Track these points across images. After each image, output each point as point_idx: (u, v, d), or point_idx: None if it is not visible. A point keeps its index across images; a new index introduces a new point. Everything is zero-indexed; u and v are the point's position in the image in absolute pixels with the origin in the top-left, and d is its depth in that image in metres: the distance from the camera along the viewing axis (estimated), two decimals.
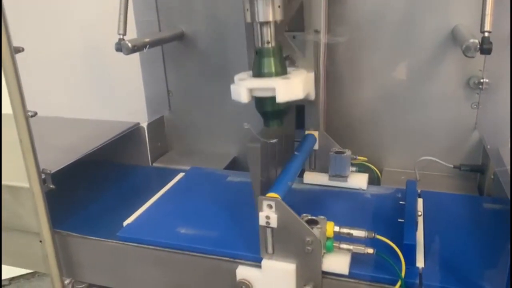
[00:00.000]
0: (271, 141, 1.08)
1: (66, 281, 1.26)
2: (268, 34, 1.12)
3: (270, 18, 1.10)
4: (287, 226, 0.99)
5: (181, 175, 1.52)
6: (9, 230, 1.30)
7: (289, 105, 1.18)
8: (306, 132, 1.42)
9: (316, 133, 1.42)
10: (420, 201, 1.29)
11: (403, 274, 0.96)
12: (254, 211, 1.01)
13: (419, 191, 1.36)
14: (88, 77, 2.09)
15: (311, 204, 1.32)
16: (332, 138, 1.51)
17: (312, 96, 1.32)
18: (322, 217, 1.03)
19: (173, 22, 1.67)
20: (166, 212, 1.29)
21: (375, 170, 1.53)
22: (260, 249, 1.03)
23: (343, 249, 1.01)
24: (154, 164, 1.72)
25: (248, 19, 1.11)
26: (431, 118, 1.50)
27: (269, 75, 1.13)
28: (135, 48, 1.38)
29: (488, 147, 1.37)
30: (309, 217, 1.03)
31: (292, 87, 1.12)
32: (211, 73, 1.70)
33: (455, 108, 1.47)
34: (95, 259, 1.24)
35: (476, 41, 1.07)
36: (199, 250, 1.11)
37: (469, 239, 1.11)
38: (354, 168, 1.42)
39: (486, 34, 1.07)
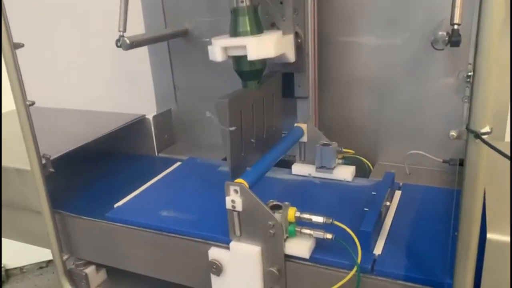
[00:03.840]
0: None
1: (65, 257, 1.38)
2: None
3: None
4: (251, 210, 1.05)
5: (177, 164, 1.61)
6: (18, 209, 1.44)
7: (265, 66, 1.23)
8: (295, 125, 1.47)
9: (304, 126, 1.46)
10: (398, 193, 1.30)
11: (359, 259, 1.00)
12: None
13: (400, 183, 1.38)
14: (107, 73, 2.23)
15: (295, 193, 1.37)
16: (326, 132, 1.55)
17: (291, 57, 1.34)
18: (287, 203, 1.08)
19: (179, 19, 1.76)
20: (154, 197, 1.38)
21: (366, 163, 1.55)
22: (229, 232, 1.10)
23: (304, 233, 1.05)
24: (160, 154, 1.82)
25: None
26: (424, 112, 1.50)
27: (244, 34, 1.18)
28: (134, 44, 1.48)
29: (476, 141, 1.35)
30: (275, 202, 1.08)
31: (263, 45, 1.16)
32: (215, 69, 1.77)
33: (447, 102, 1.46)
34: (89, 238, 1.35)
35: (444, 33, 1.07)
36: (176, 231, 1.20)
37: (436, 230, 1.12)
38: (340, 161, 1.45)
39: (456, 27, 1.07)
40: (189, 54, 1.80)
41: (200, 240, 1.17)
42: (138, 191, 1.42)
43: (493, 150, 0.74)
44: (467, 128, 0.76)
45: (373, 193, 1.22)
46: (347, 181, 1.41)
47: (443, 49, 1.09)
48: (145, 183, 1.49)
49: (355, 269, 0.99)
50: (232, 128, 1.12)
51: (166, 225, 1.21)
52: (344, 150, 1.46)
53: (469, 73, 1.36)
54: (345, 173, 1.42)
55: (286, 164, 1.54)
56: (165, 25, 1.78)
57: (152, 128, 1.78)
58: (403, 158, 1.52)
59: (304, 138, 1.47)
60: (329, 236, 1.03)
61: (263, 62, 1.25)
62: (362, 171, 1.54)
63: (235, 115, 1.17)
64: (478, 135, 0.74)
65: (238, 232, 1.09)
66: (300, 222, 1.06)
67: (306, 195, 1.34)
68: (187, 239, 1.19)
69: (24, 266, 2.88)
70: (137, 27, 1.83)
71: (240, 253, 1.09)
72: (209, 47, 1.20)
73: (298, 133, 1.44)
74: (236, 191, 1.05)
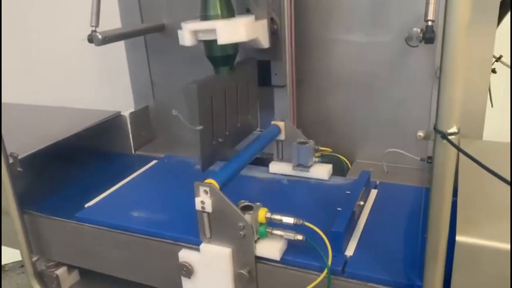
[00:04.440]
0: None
1: (35, 258, 1.34)
2: None
3: None
4: (221, 211, 1.02)
5: (153, 162, 1.58)
6: None
7: (236, 51, 1.19)
8: (272, 122, 1.44)
9: (282, 124, 1.43)
10: (374, 192, 1.29)
11: (329, 261, 0.98)
12: None
13: (377, 182, 1.36)
14: (82, 68, 2.18)
15: (270, 192, 1.35)
16: (305, 129, 1.53)
17: (265, 43, 1.30)
18: (258, 203, 1.05)
19: (156, 14, 1.72)
20: (127, 196, 1.35)
21: (344, 161, 1.53)
22: (199, 233, 1.07)
23: (275, 235, 1.03)
24: (137, 152, 1.78)
25: None
26: (403, 109, 1.48)
27: (214, 17, 1.14)
28: (107, 40, 1.44)
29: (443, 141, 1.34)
30: (246, 203, 1.06)
31: (234, 28, 1.12)
32: (193, 64, 1.73)
33: (426, 99, 1.44)
34: (60, 239, 1.32)
35: (418, 30, 1.05)
36: (146, 232, 1.17)
37: (410, 231, 1.10)
38: (317, 159, 1.43)
39: (430, 23, 1.05)
40: (166, 49, 1.76)
41: (170, 241, 1.14)
42: (110, 191, 1.39)
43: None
44: (434, 128, 0.74)
45: (347, 192, 1.20)
46: (324, 180, 1.39)
47: (417, 46, 1.06)
48: (118, 182, 1.45)
49: (325, 271, 0.97)
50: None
51: (135, 226, 1.18)
52: (321, 148, 1.44)
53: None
54: (321, 171, 1.40)
55: (264, 162, 1.52)
56: (141, 20, 1.75)
57: (129, 125, 1.74)
58: (381, 156, 1.51)
59: (282, 136, 1.44)
60: (300, 237, 1.00)
61: (235, 46, 1.21)
62: (340, 169, 1.52)
63: (205, 101, 1.14)
64: (445, 136, 0.72)
65: (208, 234, 1.06)
66: (272, 223, 1.04)
67: (282, 194, 1.32)
68: (157, 240, 1.16)
69: (6, 265, 2.83)
70: (115, 21, 1.80)
71: (210, 255, 1.06)
72: (179, 32, 1.17)
73: (275, 131, 1.41)
74: (206, 191, 1.03)
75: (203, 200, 1.02)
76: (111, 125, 1.68)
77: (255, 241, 1.03)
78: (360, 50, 1.47)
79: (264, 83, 1.46)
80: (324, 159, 1.44)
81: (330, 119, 1.59)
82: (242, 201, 1.06)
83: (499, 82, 1.60)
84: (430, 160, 1.43)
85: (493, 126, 1.71)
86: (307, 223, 1.01)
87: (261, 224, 1.03)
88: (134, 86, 1.87)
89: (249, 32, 1.16)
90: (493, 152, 1.18)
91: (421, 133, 0.76)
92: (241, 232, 1.01)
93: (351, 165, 1.55)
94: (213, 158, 1.20)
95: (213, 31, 1.11)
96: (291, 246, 1.05)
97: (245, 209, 1.04)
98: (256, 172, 1.47)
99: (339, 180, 1.39)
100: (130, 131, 1.75)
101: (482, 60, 1.31)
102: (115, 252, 1.23)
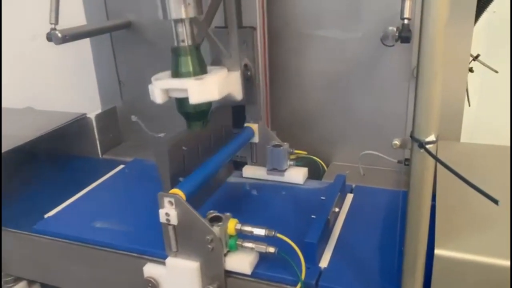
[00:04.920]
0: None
1: None
2: (184, 32, 1.07)
3: (183, 15, 1.04)
4: (188, 223, 0.96)
5: (120, 167, 1.50)
6: None
7: (210, 106, 1.14)
8: (245, 125, 1.38)
9: (255, 126, 1.37)
10: (349, 197, 1.24)
11: (303, 274, 0.92)
12: None
13: (353, 185, 1.32)
14: (46, 67, 2.07)
15: (243, 198, 1.29)
16: (280, 131, 1.47)
17: (238, 96, 1.24)
18: (227, 214, 0.99)
19: (122, 10, 1.63)
20: (90, 205, 1.27)
21: (320, 163, 1.48)
22: (165, 247, 1.00)
23: (246, 247, 0.97)
24: (104, 156, 1.70)
25: (161, 17, 1.05)
26: (379, 111, 1.44)
27: (186, 75, 1.08)
28: (67, 38, 1.35)
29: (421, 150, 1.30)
30: (214, 214, 0.99)
31: (206, 87, 1.06)
32: (161, 62, 1.65)
33: (402, 100, 1.40)
34: (18, 252, 1.23)
35: (394, 28, 1.00)
36: (109, 245, 1.09)
37: (387, 239, 1.06)
38: (292, 162, 1.37)
39: (406, 22, 1.00)
40: (134, 47, 1.67)
41: (135, 255, 1.07)
42: (73, 199, 1.30)
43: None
44: (411, 136, 0.69)
45: (322, 198, 1.15)
46: (299, 184, 1.33)
47: (393, 46, 1.02)
48: (83, 189, 1.37)
49: (299, 285, 0.91)
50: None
51: (98, 238, 1.11)
52: (296, 151, 1.39)
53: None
54: (296, 175, 1.34)
55: (238, 165, 1.46)
56: (107, 17, 1.65)
57: (95, 127, 1.65)
58: (358, 157, 1.46)
59: (255, 139, 1.38)
60: (271, 250, 0.95)
61: (208, 103, 1.14)
62: (316, 172, 1.47)
63: (177, 159, 1.09)
64: (422, 145, 0.67)
65: (174, 247, 0.99)
66: (242, 235, 0.98)
67: (255, 200, 1.26)
68: (120, 253, 1.08)
69: None
70: (80, 18, 1.70)
71: (177, 270, 0.99)
72: (150, 86, 1.10)
73: (248, 134, 1.35)
74: (170, 202, 0.96)
75: (168, 212, 0.95)
76: (76, 127, 1.59)
77: (225, 254, 0.97)
78: (335, 49, 1.41)
79: (238, 125, 1.39)
80: (300, 161, 1.38)
81: (306, 120, 1.54)
82: (211, 211, 1.00)
83: (475, 80, 1.58)
84: (407, 162, 1.40)
85: (472, 126, 1.70)
86: (279, 235, 0.95)
87: (230, 236, 0.97)
88: (101, 86, 1.78)
89: (222, 90, 1.10)
90: (472, 155, 1.15)
91: (397, 142, 0.71)
92: (209, 246, 0.95)
93: (327, 167, 1.50)
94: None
95: (184, 90, 1.04)
96: (264, 258, 0.99)
97: (214, 220, 0.98)
98: (229, 176, 1.41)
99: (314, 184, 1.34)
100: (96, 133, 1.66)
101: (459, 60, 1.27)
102: (76, 267, 1.15)
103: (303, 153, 1.43)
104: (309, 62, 1.46)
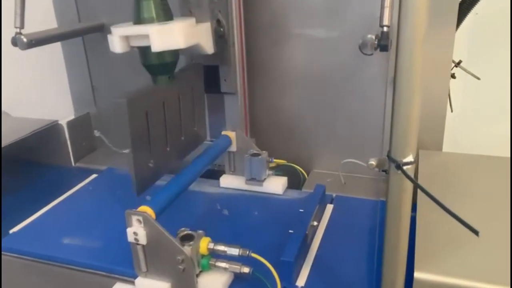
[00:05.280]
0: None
1: None
2: None
3: None
4: (157, 243, 0.90)
5: (93, 176, 1.44)
6: None
7: (176, 58, 1.07)
8: (222, 133, 1.33)
9: (233, 134, 1.32)
10: (329, 208, 1.20)
11: None
12: None
13: (334, 195, 1.28)
14: (15, 72, 1.98)
15: (218, 211, 1.24)
16: (259, 138, 1.43)
17: (209, 49, 1.18)
18: (200, 231, 0.94)
19: (94, 13, 1.56)
20: (58, 219, 1.21)
21: (301, 172, 1.44)
22: (134, 267, 0.95)
23: (219, 267, 0.92)
24: (77, 164, 1.63)
25: None
26: (360, 118, 1.41)
27: (148, 21, 1.00)
28: (34, 43, 1.28)
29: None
30: (186, 232, 0.94)
31: (170, 34, 0.99)
32: (137, 67, 1.59)
33: (382, 107, 1.37)
34: None
35: (373, 36, 0.95)
36: (76, 263, 1.04)
37: (367, 254, 1.02)
38: (271, 171, 1.33)
39: (385, 29, 0.96)
40: (107, 51, 1.59)
41: (103, 273, 1.02)
42: (41, 212, 1.24)
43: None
44: (388, 156, 0.65)
45: (300, 210, 1.11)
46: (278, 194, 1.29)
47: (372, 54, 0.97)
48: (52, 201, 1.30)
49: None
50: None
51: (64, 256, 1.05)
52: (275, 160, 1.34)
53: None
54: (275, 185, 1.30)
55: (216, 174, 1.41)
56: (78, 19, 1.59)
57: (67, 135, 1.59)
58: (338, 165, 1.42)
59: (233, 148, 1.33)
60: (246, 270, 0.90)
61: (174, 53, 1.08)
62: (296, 180, 1.43)
63: (139, 117, 1.01)
64: (399, 166, 0.63)
65: (144, 268, 0.94)
66: (216, 254, 0.93)
67: (231, 213, 1.21)
68: (88, 272, 1.03)
69: None
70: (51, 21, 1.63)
71: None
72: (109, 36, 1.03)
73: (225, 142, 1.30)
74: (139, 221, 0.91)
75: (136, 231, 0.90)
76: (47, 135, 1.53)
77: (197, 275, 0.92)
78: (317, 53, 1.37)
79: (213, 90, 1.34)
80: (277, 171, 1.34)
81: (286, 127, 1.49)
82: (182, 229, 0.95)
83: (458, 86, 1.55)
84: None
85: (455, 132, 1.67)
86: (253, 254, 0.90)
87: (203, 256, 0.92)
88: (73, 91, 1.71)
89: (188, 38, 1.03)
90: (454, 165, 1.12)
91: (373, 162, 0.67)
92: (180, 266, 0.90)
93: (308, 175, 1.46)
94: (151, 180, 1.08)
95: (146, 36, 0.98)
96: (239, 278, 0.94)
97: (185, 239, 0.93)
98: (206, 186, 1.36)
99: (294, 194, 1.29)
100: (68, 141, 1.59)
101: (441, 66, 1.24)
102: (43, 286, 1.09)
103: (281, 162, 1.38)
104: (289, 64, 1.41)
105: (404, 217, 0.67)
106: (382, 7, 0.96)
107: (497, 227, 0.83)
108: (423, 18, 0.56)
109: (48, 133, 1.53)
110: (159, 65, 1.05)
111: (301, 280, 0.94)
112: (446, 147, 1.36)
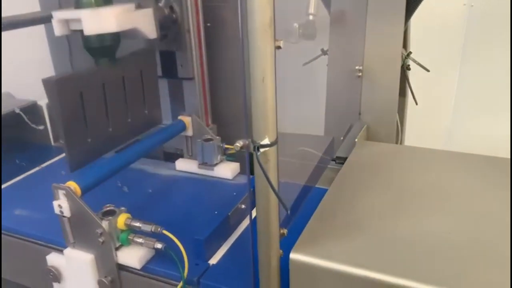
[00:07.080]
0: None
1: None
2: None
3: None
4: (80, 216, 0.96)
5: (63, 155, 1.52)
6: None
7: (115, 42, 1.12)
8: (179, 117, 1.37)
9: (188, 119, 1.36)
10: None
11: (185, 271, 0.92)
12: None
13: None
14: None
15: (161, 193, 1.28)
16: (221, 124, 1.45)
17: (150, 34, 1.20)
18: (122, 208, 0.99)
19: None
20: (19, 193, 1.30)
21: None
22: (64, 238, 1.01)
23: (136, 242, 0.97)
24: (56, 143, 1.71)
25: None
26: (321, 107, 1.41)
27: (86, 5, 1.05)
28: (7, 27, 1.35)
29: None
30: (110, 208, 1.00)
31: (101, 17, 1.03)
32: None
33: (344, 97, 1.37)
34: None
35: (297, 25, 0.97)
36: (17, 232, 1.12)
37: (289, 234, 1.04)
38: (224, 157, 1.36)
39: (311, 17, 0.97)
40: None
41: (41, 243, 1.09)
42: (7, 184, 1.33)
43: None
44: (251, 138, 0.67)
45: (234, 193, 1.14)
46: (227, 179, 1.32)
47: (297, 43, 0.99)
48: (20, 175, 1.40)
49: (181, 283, 0.91)
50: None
51: (10, 225, 1.13)
52: (227, 146, 1.37)
53: (359, 67, 1.29)
54: (225, 170, 1.33)
55: (176, 158, 1.45)
56: (59, 3, 1.65)
57: (46, 115, 1.67)
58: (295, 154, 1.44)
59: (189, 132, 1.37)
60: (159, 245, 0.95)
61: (114, 37, 1.12)
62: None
63: (72, 98, 1.05)
64: (256, 147, 0.65)
65: (71, 239, 1.00)
66: (135, 230, 0.98)
67: (172, 195, 1.26)
68: (28, 241, 1.10)
69: None
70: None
71: (74, 261, 1.01)
72: (52, 20, 1.08)
73: (178, 127, 1.34)
74: (64, 194, 0.97)
75: (61, 204, 0.96)
76: (26, 114, 1.61)
77: (117, 248, 0.98)
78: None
79: (172, 75, 1.39)
80: (229, 157, 1.37)
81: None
82: (108, 205, 1.00)
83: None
84: (338, 160, 1.38)
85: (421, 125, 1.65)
86: (165, 232, 0.95)
87: (122, 231, 0.98)
88: (58, 72, 1.79)
89: (122, 22, 1.08)
90: (386, 156, 1.12)
91: (238, 144, 0.69)
92: (100, 239, 0.96)
93: None
94: (91, 157, 1.13)
95: (80, 20, 1.03)
96: (159, 254, 0.99)
97: (108, 214, 0.98)
98: (162, 169, 1.41)
99: (242, 179, 1.32)
100: (48, 121, 1.68)
101: (390, 58, 1.23)
102: None
103: (232, 148, 1.41)
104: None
105: (271, 195, 0.69)
106: None
107: (393, 220, 0.84)
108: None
109: (27, 113, 1.61)
110: (98, 48, 1.10)
111: (215, 259, 0.98)
112: (443, 144, 1.35)
